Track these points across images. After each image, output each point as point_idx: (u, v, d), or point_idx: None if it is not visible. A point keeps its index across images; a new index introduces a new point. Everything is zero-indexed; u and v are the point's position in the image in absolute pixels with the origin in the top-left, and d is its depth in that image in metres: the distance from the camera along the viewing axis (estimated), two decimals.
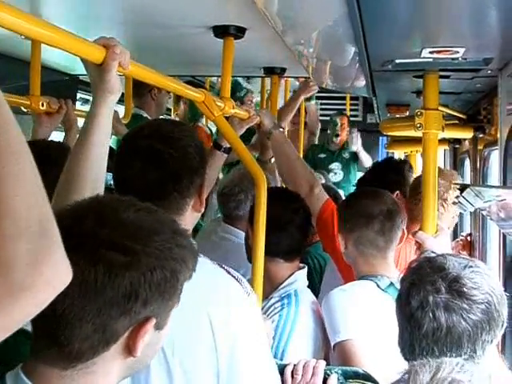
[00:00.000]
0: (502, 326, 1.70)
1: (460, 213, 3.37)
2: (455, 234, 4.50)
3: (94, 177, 1.53)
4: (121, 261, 1.11)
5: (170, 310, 1.22)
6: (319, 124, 6.56)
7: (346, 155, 6.43)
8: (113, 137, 3.59)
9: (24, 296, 0.81)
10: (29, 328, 1.21)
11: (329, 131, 6.57)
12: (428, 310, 1.65)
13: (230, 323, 1.63)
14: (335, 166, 6.39)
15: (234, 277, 1.72)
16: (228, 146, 2.77)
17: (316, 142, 6.53)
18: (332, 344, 2.37)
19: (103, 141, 1.55)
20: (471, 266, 1.72)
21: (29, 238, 0.81)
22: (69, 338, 1.11)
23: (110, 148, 1.66)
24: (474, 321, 1.63)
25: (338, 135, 6.46)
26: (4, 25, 1.11)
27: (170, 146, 1.70)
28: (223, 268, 1.73)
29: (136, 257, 1.12)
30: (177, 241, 1.20)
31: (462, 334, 1.63)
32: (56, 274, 0.84)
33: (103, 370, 1.16)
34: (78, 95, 4.11)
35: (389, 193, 2.78)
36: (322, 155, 6.44)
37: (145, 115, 3.90)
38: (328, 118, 6.76)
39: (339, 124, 6.47)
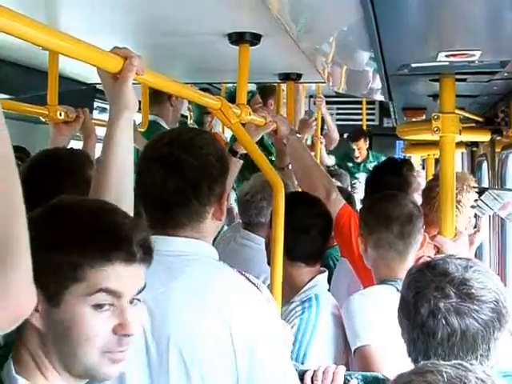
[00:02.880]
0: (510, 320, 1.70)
1: (477, 215, 3.35)
2: None
3: (117, 194, 1.54)
4: None
5: (62, 288, 1.24)
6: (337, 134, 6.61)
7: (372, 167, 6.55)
8: None
9: None
10: None
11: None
12: (440, 317, 1.62)
13: (249, 330, 1.64)
14: (361, 176, 6.49)
15: (254, 284, 1.73)
16: (243, 152, 2.78)
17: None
18: (352, 349, 2.36)
19: (124, 159, 1.57)
20: (472, 266, 1.70)
21: None
22: None
23: None
24: (486, 320, 1.62)
25: (357, 157, 6.66)
26: (23, 37, 1.12)
27: (189, 154, 1.72)
28: (243, 275, 1.74)
29: None
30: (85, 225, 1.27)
31: (476, 335, 1.62)
32: (19, 303, 0.84)
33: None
34: (95, 104, 4.14)
35: (410, 197, 2.76)
36: (350, 164, 6.55)
37: (162, 123, 3.92)
38: (345, 123, 6.85)
39: (356, 149, 6.65)
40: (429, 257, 2.34)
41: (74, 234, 1.25)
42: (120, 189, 1.55)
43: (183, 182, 1.70)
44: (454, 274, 1.68)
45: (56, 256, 1.22)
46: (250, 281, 1.73)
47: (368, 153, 6.82)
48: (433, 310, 1.64)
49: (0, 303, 0.82)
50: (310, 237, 2.54)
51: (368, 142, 6.90)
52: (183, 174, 1.71)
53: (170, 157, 1.72)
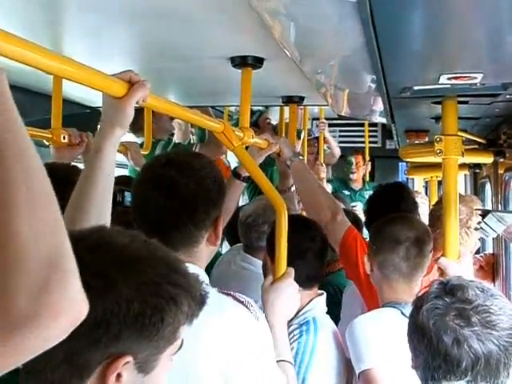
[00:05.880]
0: None
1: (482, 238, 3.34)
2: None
3: (100, 209, 1.50)
4: (97, 286, 1.02)
5: (159, 354, 1.12)
6: (339, 150, 6.61)
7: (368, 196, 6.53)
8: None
9: (27, 330, 0.75)
10: None
11: (345, 169, 6.69)
12: (465, 345, 1.60)
13: (236, 345, 1.63)
14: (357, 204, 6.46)
15: (242, 302, 1.70)
16: (247, 174, 2.78)
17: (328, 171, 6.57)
18: (357, 372, 2.35)
19: (107, 175, 1.53)
20: (487, 291, 1.69)
21: (34, 269, 0.75)
22: (40, 366, 1.04)
23: (128, 177, 1.67)
24: (506, 346, 1.61)
25: (353, 173, 6.58)
26: (27, 62, 1.13)
27: (186, 176, 1.70)
28: (230, 295, 1.72)
29: (114, 285, 1.05)
30: (171, 278, 1.11)
31: (499, 361, 1.59)
32: (67, 308, 0.78)
33: None
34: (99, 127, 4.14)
35: (421, 221, 2.74)
36: (346, 192, 6.53)
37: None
38: (348, 145, 6.85)
39: (354, 162, 6.59)
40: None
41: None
42: (102, 208, 1.51)
43: (179, 204, 1.67)
44: (475, 302, 1.65)
45: (157, 318, 1.09)
46: (237, 299, 1.71)
47: (364, 181, 6.79)
48: (457, 338, 1.61)
49: (64, 310, 0.77)
50: (306, 260, 2.52)
51: (368, 166, 6.87)
52: (179, 196, 1.67)
53: (167, 179, 1.69)
